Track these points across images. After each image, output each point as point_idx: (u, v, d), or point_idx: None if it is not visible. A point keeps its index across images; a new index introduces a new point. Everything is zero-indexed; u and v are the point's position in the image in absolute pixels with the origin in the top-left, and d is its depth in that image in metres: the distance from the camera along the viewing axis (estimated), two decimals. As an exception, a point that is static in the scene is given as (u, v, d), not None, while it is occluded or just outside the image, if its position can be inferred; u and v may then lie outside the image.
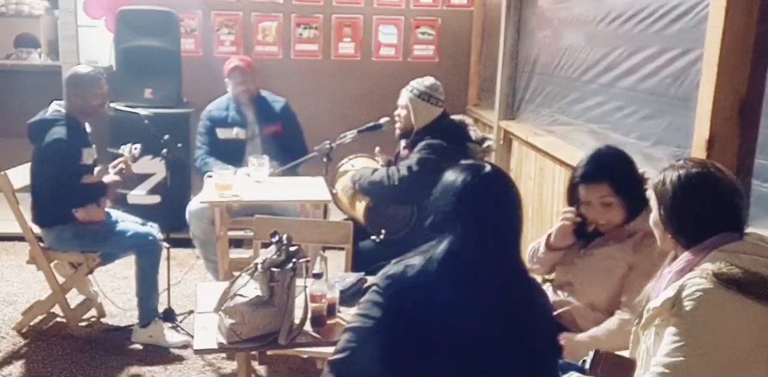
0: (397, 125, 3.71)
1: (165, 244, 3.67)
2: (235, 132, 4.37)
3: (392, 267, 1.76)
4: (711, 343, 1.67)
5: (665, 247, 1.92)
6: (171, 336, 3.59)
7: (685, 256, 1.81)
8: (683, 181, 1.82)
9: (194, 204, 4.09)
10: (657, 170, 2.85)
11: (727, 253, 1.74)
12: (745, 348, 1.68)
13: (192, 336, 3.56)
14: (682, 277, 1.76)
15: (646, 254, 2.37)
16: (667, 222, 1.85)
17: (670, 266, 1.87)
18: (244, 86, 4.37)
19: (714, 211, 1.80)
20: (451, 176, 1.80)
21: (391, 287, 1.73)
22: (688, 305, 1.68)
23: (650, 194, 1.91)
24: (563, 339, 2.40)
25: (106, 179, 3.60)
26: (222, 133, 4.39)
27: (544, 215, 4.29)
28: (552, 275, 2.74)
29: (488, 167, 1.81)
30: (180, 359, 3.46)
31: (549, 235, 2.64)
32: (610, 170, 2.47)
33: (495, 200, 1.79)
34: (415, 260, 1.75)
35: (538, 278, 2.72)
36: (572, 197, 2.56)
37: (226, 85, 4.44)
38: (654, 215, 1.90)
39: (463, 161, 1.89)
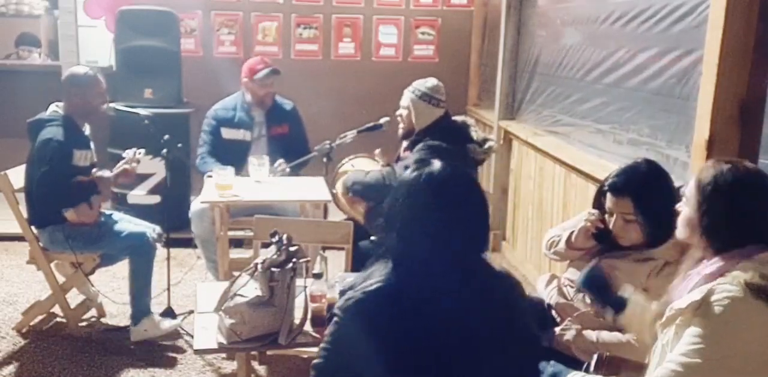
0: (401, 125, 3.72)
1: (159, 245, 3.66)
2: (241, 134, 4.37)
3: (351, 295, 1.71)
4: (731, 350, 1.64)
5: (690, 242, 1.85)
6: (163, 324, 3.60)
7: (716, 261, 1.76)
8: (738, 182, 1.75)
9: (196, 205, 4.09)
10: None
11: (761, 263, 1.70)
12: (765, 360, 1.65)
13: (187, 332, 3.58)
14: (711, 282, 1.72)
15: (660, 282, 2.23)
16: (706, 223, 1.77)
17: (697, 268, 1.82)
18: (269, 93, 4.35)
19: (760, 217, 1.75)
20: (404, 175, 1.79)
21: (361, 313, 1.69)
22: (715, 309, 1.65)
23: (692, 191, 1.82)
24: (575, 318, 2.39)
25: (99, 173, 3.57)
26: (227, 133, 4.38)
27: (543, 215, 4.29)
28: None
29: (437, 165, 1.75)
30: (180, 359, 3.46)
31: (572, 233, 2.56)
32: (638, 187, 2.34)
33: (442, 198, 1.73)
34: (372, 284, 1.71)
35: (545, 277, 2.71)
36: (598, 202, 2.49)
37: (244, 83, 4.35)
38: (689, 212, 1.82)
39: (416, 158, 1.87)
